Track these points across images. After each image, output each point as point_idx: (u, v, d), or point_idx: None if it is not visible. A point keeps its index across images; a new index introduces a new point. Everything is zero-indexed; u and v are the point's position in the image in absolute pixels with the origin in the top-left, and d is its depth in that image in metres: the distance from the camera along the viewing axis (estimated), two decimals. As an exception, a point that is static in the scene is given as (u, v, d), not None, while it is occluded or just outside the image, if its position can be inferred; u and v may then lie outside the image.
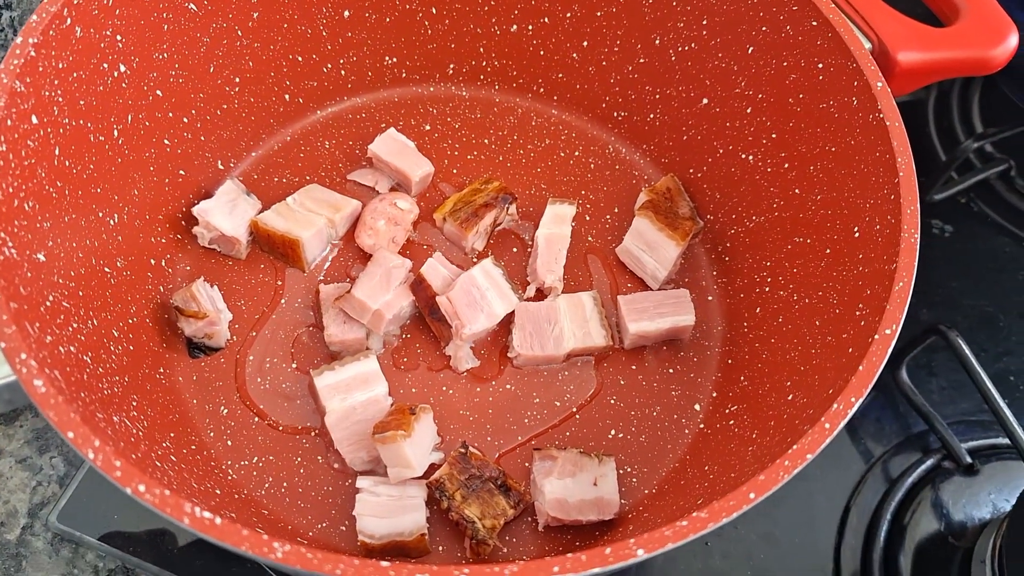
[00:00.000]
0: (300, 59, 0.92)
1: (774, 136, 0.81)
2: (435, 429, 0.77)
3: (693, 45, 0.86)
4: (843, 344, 0.64)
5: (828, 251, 0.74)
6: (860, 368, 0.57)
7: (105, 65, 0.74)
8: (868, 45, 0.74)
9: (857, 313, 0.65)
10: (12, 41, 0.66)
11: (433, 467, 0.74)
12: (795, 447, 0.54)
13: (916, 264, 0.62)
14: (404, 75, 0.98)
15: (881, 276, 0.63)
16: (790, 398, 0.68)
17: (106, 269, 0.75)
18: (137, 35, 0.76)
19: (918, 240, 0.63)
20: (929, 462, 0.88)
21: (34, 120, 0.66)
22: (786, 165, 0.80)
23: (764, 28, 0.79)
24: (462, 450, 0.74)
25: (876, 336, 0.59)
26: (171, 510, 0.49)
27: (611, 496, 0.74)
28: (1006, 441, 0.88)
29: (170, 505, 0.49)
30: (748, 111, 0.84)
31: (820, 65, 0.75)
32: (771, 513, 0.85)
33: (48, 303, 0.63)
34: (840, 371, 0.61)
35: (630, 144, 0.97)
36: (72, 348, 0.64)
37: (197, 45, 0.83)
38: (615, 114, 0.96)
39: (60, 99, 0.69)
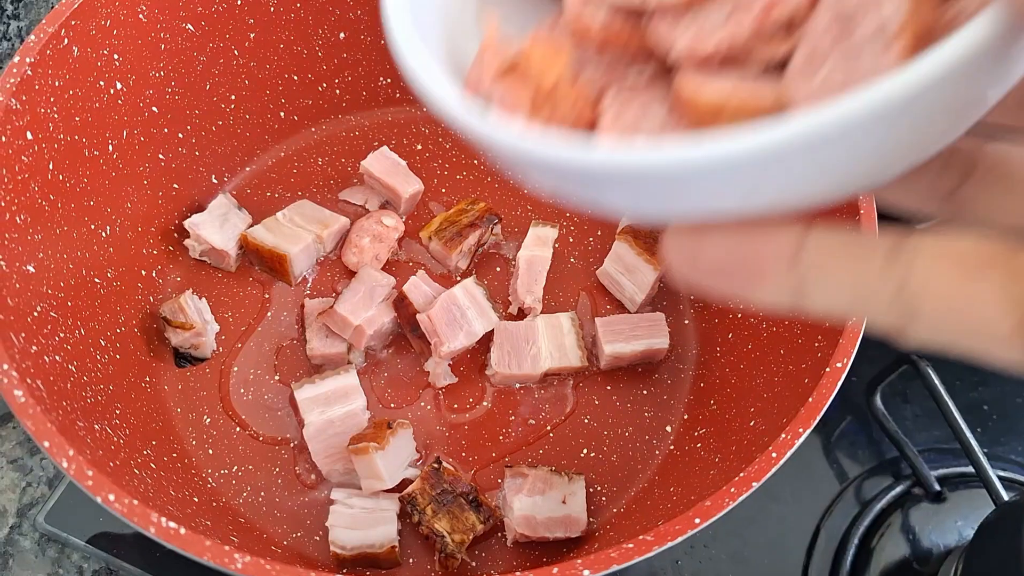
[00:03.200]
0: (296, 78, 0.94)
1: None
2: (414, 445, 0.79)
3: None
4: (801, 374, 0.66)
5: (796, 281, 0.76)
6: (810, 399, 0.59)
7: (102, 83, 0.76)
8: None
9: (816, 344, 0.66)
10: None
11: (407, 482, 0.77)
12: (741, 475, 0.56)
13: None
14: (398, 95, 1.00)
15: (839, 310, 0.65)
16: (752, 424, 0.70)
17: (96, 280, 0.77)
18: (134, 54, 0.79)
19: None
20: (899, 488, 0.89)
21: (29, 136, 0.68)
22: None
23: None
24: (435, 465, 0.76)
25: (828, 369, 0.61)
26: (138, 519, 0.51)
27: (579, 514, 0.76)
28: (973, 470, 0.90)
29: (137, 515, 0.51)
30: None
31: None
32: (742, 533, 0.86)
33: (36, 313, 0.66)
34: (795, 400, 0.62)
35: (616, 168, 0.98)
36: (58, 357, 0.66)
37: (194, 64, 0.85)
38: (602, 138, 0.98)
39: (55, 116, 0.71)
